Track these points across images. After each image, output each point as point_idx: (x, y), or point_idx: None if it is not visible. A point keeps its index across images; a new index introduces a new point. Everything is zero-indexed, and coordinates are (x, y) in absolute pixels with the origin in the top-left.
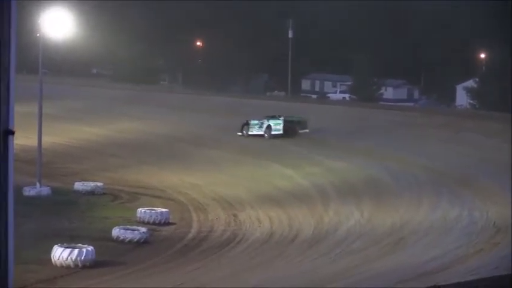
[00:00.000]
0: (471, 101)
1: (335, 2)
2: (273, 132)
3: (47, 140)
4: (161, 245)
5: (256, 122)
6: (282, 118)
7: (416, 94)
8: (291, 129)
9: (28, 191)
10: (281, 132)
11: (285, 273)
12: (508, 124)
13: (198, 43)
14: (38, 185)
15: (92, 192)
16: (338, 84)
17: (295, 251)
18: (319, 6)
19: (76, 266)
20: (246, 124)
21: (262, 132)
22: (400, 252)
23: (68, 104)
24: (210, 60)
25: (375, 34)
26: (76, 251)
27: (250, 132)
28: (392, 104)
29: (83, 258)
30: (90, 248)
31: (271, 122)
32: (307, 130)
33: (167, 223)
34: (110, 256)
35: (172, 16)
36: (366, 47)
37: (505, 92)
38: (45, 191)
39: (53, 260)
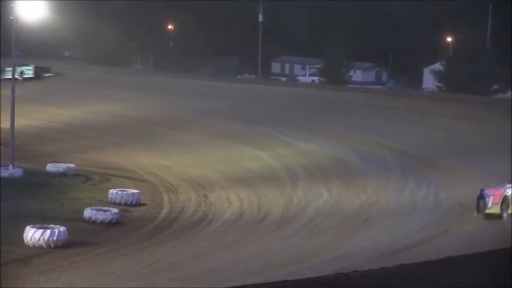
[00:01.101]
0: (438, 84)
1: None
2: (25, 76)
3: (19, 122)
4: (133, 225)
5: (10, 68)
6: (32, 65)
7: (384, 77)
8: (38, 74)
9: (0, 173)
10: (32, 75)
11: (254, 252)
12: (475, 106)
13: (170, 26)
14: (10, 166)
15: (64, 174)
16: (307, 67)
17: (264, 231)
18: None
19: (48, 246)
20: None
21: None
22: (368, 231)
23: (40, 86)
24: (182, 43)
25: (345, 17)
26: (48, 231)
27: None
28: (360, 86)
29: (55, 238)
30: (62, 228)
31: (24, 68)
32: (51, 74)
33: (138, 204)
34: (82, 236)
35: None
36: (335, 30)
37: (471, 74)
38: (17, 172)
39: (25, 241)
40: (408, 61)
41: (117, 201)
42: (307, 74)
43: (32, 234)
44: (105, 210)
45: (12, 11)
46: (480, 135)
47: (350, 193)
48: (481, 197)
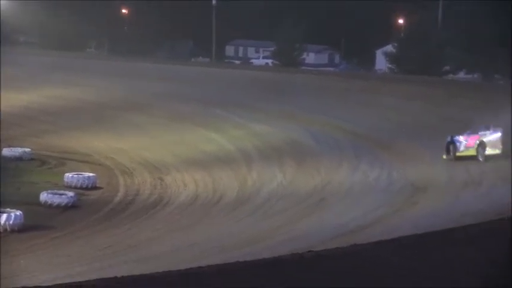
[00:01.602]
0: (390, 65)
1: None
2: None
3: None
4: (89, 208)
5: None
6: None
7: (337, 59)
8: None
9: None
10: None
11: (209, 235)
12: (426, 87)
13: (124, 10)
14: None
15: (20, 158)
16: (261, 50)
17: (219, 213)
18: None
19: (5, 230)
20: None
21: None
22: (321, 212)
23: None
24: (136, 27)
25: (297, 0)
26: (4, 215)
27: None
28: (313, 68)
29: (11, 222)
30: (18, 212)
31: None
32: None
33: (94, 187)
34: (38, 220)
35: None
36: (288, 14)
37: (422, 55)
38: None
39: None
40: (360, 43)
41: (73, 184)
42: (261, 57)
43: None
44: (61, 194)
45: None
46: (432, 116)
47: (304, 174)
48: (451, 142)
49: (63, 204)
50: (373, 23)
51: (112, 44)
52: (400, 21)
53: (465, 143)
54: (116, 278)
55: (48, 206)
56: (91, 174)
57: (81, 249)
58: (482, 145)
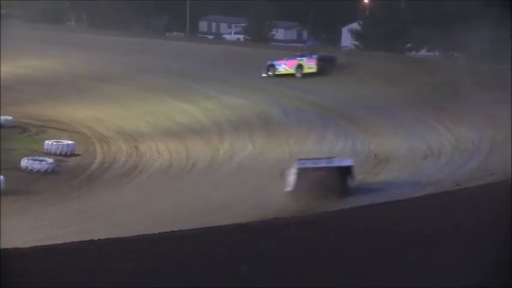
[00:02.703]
0: (355, 42)
1: None
2: None
3: None
4: (67, 174)
5: None
6: None
7: (305, 35)
8: None
9: None
10: None
11: (182, 201)
12: (390, 63)
13: None
14: None
15: (1, 126)
16: (233, 25)
17: (192, 180)
18: None
19: None
20: None
21: None
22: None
23: None
24: (113, 2)
25: None
26: None
27: None
28: (283, 44)
29: None
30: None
31: None
32: None
33: (73, 154)
34: (19, 185)
35: None
36: None
37: (386, 33)
38: None
39: None
40: (328, 21)
41: (53, 151)
42: (233, 33)
43: None
44: (41, 160)
45: None
46: (394, 90)
47: (273, 144)
48: (271, 65)
49: (43, 170)
50: (339, 1)
51: (91, 18)
52: (366, 0)
53: (284, 65)
54: (92, 240)
55: (29, 172)
56: (70, 141)
57: (60, 213)
58: (300, 67)
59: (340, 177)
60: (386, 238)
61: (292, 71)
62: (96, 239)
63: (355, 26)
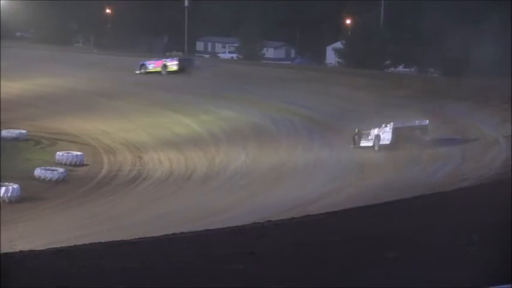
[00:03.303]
0: (339, 60)
1: None
2: None
3: None
4: (77, 183)
5: None
6: None
7: (292, 53)
8: None
9: None
10: None
11: (182, 206)
12: (369, 79)
13: (108, 10)
14: None
15: (16, 139)
16: (227, 45)
17: (191, 187)
18: None
19: (4, 201)
20: None
21: None
22: (279, 187)
23: None
24: (118, 25)
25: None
26: (3, 188)
27: None
28: (272, 62)
29: (9, 194)
30: (15, 185)
31: None
32: None
33: (82, 164)
34: (33, 193)
35: None
36: (250, 13)
37: (367, 51)
38: None
39: None
40: (313, 40)
41: (63, 162)
42: (227, 52)
43: None
44: (53, 170)
45: None
46: (373, 103)
47: (264, 154)
48: (143, 64)
49: (55, 179)
50: (324, 22)
51: (97, 39)
52: (348, 21)
53: (153, 65)
54: (100, 243)
55: (42, 181)
56: (79, 153)
57: (70, 218)
58: (164, 66)
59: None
60: (368, 236)
61: (159, 69)
62: (103, 241)
63: (338, 45)
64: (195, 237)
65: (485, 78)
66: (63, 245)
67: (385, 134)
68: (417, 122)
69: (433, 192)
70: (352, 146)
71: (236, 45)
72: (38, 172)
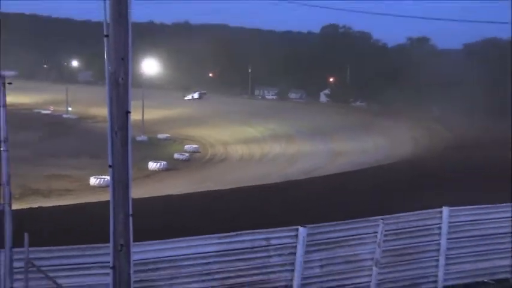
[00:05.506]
0: (328, 99)
1: None
2: None
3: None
4: (195, 161)
5: None
6: None
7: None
8: None
9: (138, 138)
10: None
11: (248, 172)
12: (340, 109)
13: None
14: (142, 135)
15: (164, 139)
16: (270, 91)
17: (254, 164)
18: None
19: (160, 170)
20: None
21: None
22: (297, 163)
23: None
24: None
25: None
26: (159, 163)
27: None
28: (294, 99)
29: (162, 166)
30: (164, 162)
31: None
32: None
33: (197, 152)
34: (173, 166)
35: None
36: (281, 74)
37: (342, 94)
38: (144, 138)
39: (148, 168)
40: (312, 88)
41: (188, 150)
42: (270, 95)
43: (151, 165)
44: (183, 154)
45: None
46: (339, 124)
47: (289, 147)
48: None
49: (183, 159)
50: (318, 77)
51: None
52: (331, 79)
53: None
54: (207, 191)
55: (177, 160)
56: (196, 145)
57: (193, 177)
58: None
59: None
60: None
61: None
62: (208, 190)
63: (326, 91)
64: (258, 189)
65: None
66: (187, 192)
67: None
68: None
69: None
70: None
71: (276, 91)
72: (176, 155)
